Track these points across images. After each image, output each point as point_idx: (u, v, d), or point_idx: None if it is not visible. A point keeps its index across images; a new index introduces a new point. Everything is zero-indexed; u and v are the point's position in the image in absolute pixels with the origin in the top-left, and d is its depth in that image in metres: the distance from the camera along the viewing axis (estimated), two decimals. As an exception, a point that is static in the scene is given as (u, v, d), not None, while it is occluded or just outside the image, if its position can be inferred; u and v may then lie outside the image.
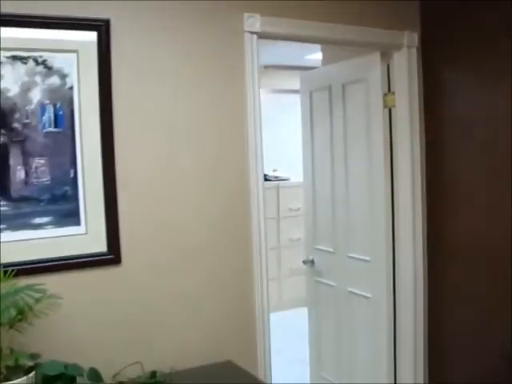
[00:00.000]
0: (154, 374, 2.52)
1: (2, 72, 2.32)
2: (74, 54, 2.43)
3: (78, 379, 2.32)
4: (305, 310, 4.09)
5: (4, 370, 2.16)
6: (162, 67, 2.63)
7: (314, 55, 5.24)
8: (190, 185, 2.71)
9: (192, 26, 2.69)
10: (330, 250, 3.72)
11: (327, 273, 3.77)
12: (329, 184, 3.67)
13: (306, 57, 5.89)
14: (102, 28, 2.47)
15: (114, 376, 2.47)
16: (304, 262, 3.92)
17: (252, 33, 2.80)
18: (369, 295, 3.42)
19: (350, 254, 3.55)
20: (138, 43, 2.57)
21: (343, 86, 3.50)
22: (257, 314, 2.89)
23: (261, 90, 2.85)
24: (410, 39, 3.24)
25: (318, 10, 2.97)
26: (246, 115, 2.81)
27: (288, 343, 5.18)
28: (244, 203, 2.84)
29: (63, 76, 2.42)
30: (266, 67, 6.37)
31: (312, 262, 3.87)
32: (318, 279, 3.86)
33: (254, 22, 2.78)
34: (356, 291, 3.50)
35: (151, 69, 2.60)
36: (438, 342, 3.33)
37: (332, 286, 3.73)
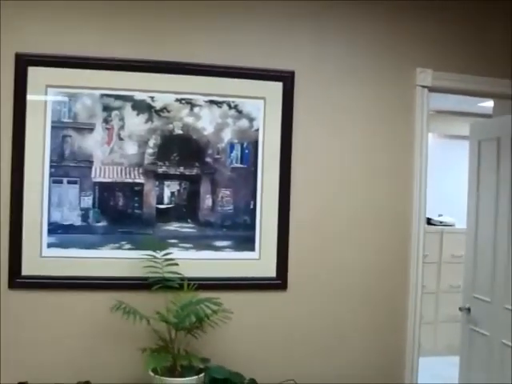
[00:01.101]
0: (305, 392, 2.76)
1: (201, 113, 2.73)
2: (262, 101, 2.78)
3: (240, 386, 2.62)
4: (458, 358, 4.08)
5: (179, 368, 2.51)
6: (336, 116, 2.90)
7: (487, 102, 5.25)
8: (354, 226, 2.93)
9: (366, 78, 2.93)
10: (487, 299, 3.71)
11: (482, 322, 3.76)
12: (491, 233, 3.68)
13: (479, 104, 5.88)
14: (288, 78, 2.80)
15: (271, 389, 2.74)
16: (460, 309, 3.94)
17: (423, 87, 2.98)
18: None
19: (506, 306, 3.52)
20: (316, 93, 2.87)
21: (512, 140, 3.54)
22: (407, 356, 3.01)
23: (430, 134, 3.00)
24: None
25: (486, 64, 3.08)
26: (413, 161, 2.98)
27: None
28: (404, 245, 2.99)
29: (251, 119, 2.77)
30: (439, 112, 6.43)
31: (468, 309, 3.87)
32: (473, 328, 3.86)
33: (425, 76, 2.97)
34: (510, 344, 3.46)
35: (327, 117, 2.89)
36: None
37: (486, 336, 3.71)
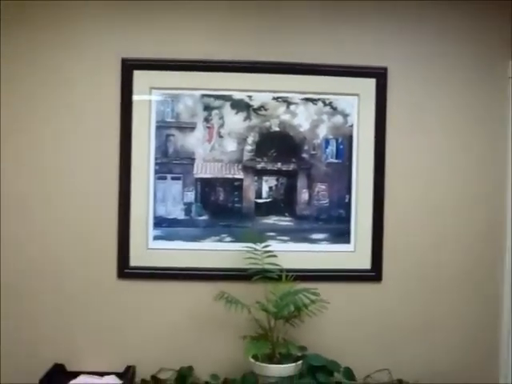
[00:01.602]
0: (400, 381, 2.81)
1: (297, 111, 2.82)
2: (356, 97, 2.85)
3: (335, 374, 2.71)
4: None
5: (278, 356, 2.63)
6: (427, 112, 2.91)
7: None
8: (446, 220, 2.94)
9: (458, 74, 2.93)
10: None
11: None
12: None
13: None
14: (381, 75, 2.85)
15: (365, 378, 2.81)
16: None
17: (519, 80, 2.95)
18: None
19: None
20: (409, 88, 2.90)
21: None
22: (501, 353, 3.00)
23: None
24: None
25: None
26: (506, 158, 2.97)
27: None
28: (498, 241, 2.98)
29: (345, 115, 2.84)
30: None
31: None
32: None
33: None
34: None
35: (419, 113, 2.91)
36: None
37: None
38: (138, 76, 2.78)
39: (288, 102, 2.82)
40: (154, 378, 2.79)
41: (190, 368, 2.79)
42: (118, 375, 2.74)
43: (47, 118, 2.81)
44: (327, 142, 2.84)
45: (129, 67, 2.77)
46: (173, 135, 2.80)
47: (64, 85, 2.81)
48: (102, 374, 2.75)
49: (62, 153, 2.82)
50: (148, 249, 2.81)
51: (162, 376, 2.79)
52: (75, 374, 2.74)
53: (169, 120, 2.80)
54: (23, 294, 2.83)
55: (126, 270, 2.81)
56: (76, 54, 2.80)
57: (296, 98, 2.82)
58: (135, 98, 2.78)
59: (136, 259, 2.80)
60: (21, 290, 2.83)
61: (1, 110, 2.80)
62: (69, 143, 2.81)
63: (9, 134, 2.81)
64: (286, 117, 2.83)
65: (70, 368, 2.80)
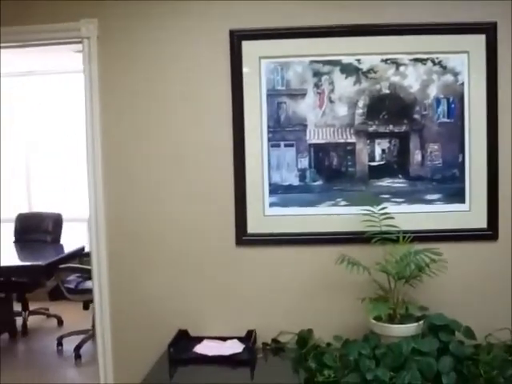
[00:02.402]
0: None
1: (406, 72, 2.81)
2: (465, 55, 2.81)
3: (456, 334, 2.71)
4: None
5: (398, 316, 2.65)
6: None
7: None
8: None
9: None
10: None
11: None
12: None
13: None
14: (490, 30, 2.79)
15: (485, 337, 2.81)
16: None
17: None
18: None
19: None
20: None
21: None
22: None
23: None
24: None
25: None
26: None
27: None
28: None
29: (455, 74, 2.82)
30: None
31: None
32: None
33: None
34: None
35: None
36: None
37: None
38: (247, 46, 2.82)
39: (397, 64, 2.81)
40: (274, 341, 2.87)
41: (310, 331, 2.84)
42: (240, 339, 2.83)
43: (157, 93, 2.90)
44: (438, 101, 2.82)
45: (237, 38, 2.81)
46: (284, 103, 2.84)
47: (172, 60, 2.89)
48: (224, 339, 2.84)
49: (177, 127, 2.91)
50: (265, 216, 2.87)
51: (282, 339, 2.86)
52: (199, 339, 2.84)
53: (279, 88, 2.84)
54: (146, 264, 2.96)
55: (244, 238, 2.88)
56: (184, 29, 2.87)
57: (405, 59, 2.81)
58: (245, 68, 2.83)
59: (253, 226, 2.87)
60: (144, 260, 2.96)
61: (118, 84, 2.91)
62: (183, 117, 2.91)
63: (127, 107, 2.93)
64: (395, 78, 2.82)
65: (194, 333, 2.90)
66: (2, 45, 2.89)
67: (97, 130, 2.92)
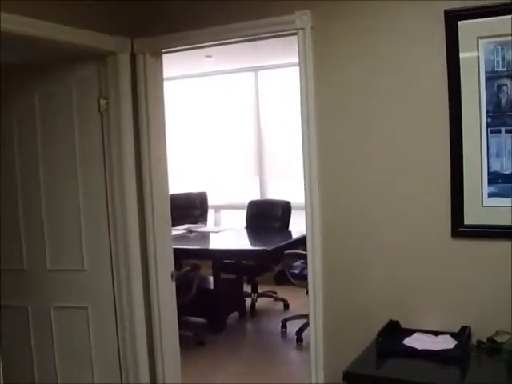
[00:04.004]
0: None
1: None
2: None
3: None
4: None
5: None
6: None
7: None
8: None
9: None
10: None
11: None
12: None
13: None
14: None
15: None
16: None
17: None
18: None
19: None
20: None
21: None
22: None
23: None
24: None
25: None
26: None
27: None
28: None
29: None
30: None
31: None
32: None
33: None
34: None
35: None
36: None
37: None
38: (463, 26, 2.66)
39: None
40: (490, 340, 2.68)
41: (532, 331, 2.61)
42: (453, 335, 2.70)
43: (369, 84, 2.89)
44: None
45: (452, 19, 2.67)
46: (505, 85, 2.62)
47: (384, 45, 2.85)
48: (436, 333, 2.74)
49: (392, 116, 2.86)
50: (483, 206, 2.69)
51: (498, 339, 2.67)
52: (410, 332, 2.77)
53: (499, 69, 2.63)
54: (360, 254, 2.98)
55: (460, 229, 2.73)
56: (395, 16, 2.80)
57: None
58: (462, 50, 2.67)
59: (470, 218, 2.71)
60: (357, 250, 2.98)
61: (331, 73, 2.95)
62: (399, 104, 2.84)
63: (341, 98, 2.96)
64: None
65: (405, 325, 2.84)
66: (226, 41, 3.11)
67: (312, 121, 2.98)
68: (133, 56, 3.43)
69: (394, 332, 2.78)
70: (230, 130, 7.87)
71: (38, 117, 3.52)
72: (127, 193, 3.44)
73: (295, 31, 2.96)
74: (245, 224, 6.88)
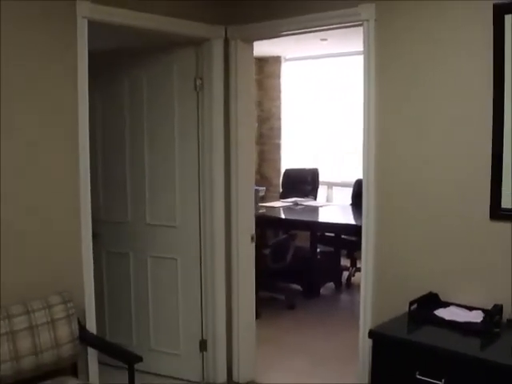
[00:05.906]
0: None
1: None
2: None
3: None
4: None
5: None
6: None
7: None
8: None
9: None
10: None
11: None
12: None
13: None
14: None
15: None
16: None
17: None
18: None
19: None
20: None
21: None
22: None
23: None
24: None
25: None
26: None
27: None
28: None
29: None
30: None
31: None
32: None
33: None
34: None
35: None
36: None
37: None
38: (510, 20, 2.76)
39: None
40: (519, 319, 2.82)
41: None
42: (485, 311, 2.85)
43: (428, 78, 3.10)
44: None
45: (500, 12, 2.78)
46: (548, 76, 2.73)
47: (436, 40, 3.04)
48: (470, 308, 2.92)
49: (435, 101, 3.07)
50: (517, 191, 2.84)
51: (528, 319, 2.81)
52: (446, 304, 2.98)
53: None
54: (406, 229, 3.24)
55: (498, 212, 2.89)
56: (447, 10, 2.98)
57: None
58: (506, 41, 2.77)
59: (507, 201, 2.86)
60: (404, 228, 3.25)
61: (393, 64, 3.20)
62: (440, 93, 3.05)
63: (401, 91, 3.20)
64: None
65: (444, 298, 3.05)
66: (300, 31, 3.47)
67: (372, 107, 3.26)
68: (226, 41, 3.89)
69: (430, 303, 3.00)
70: (344, 111, 8.09)
71: (145, 91, 4.13)
72: (215, 162, 3.99)
73: (361, 22, 3.22)
74: (350, 201, 7.13)
